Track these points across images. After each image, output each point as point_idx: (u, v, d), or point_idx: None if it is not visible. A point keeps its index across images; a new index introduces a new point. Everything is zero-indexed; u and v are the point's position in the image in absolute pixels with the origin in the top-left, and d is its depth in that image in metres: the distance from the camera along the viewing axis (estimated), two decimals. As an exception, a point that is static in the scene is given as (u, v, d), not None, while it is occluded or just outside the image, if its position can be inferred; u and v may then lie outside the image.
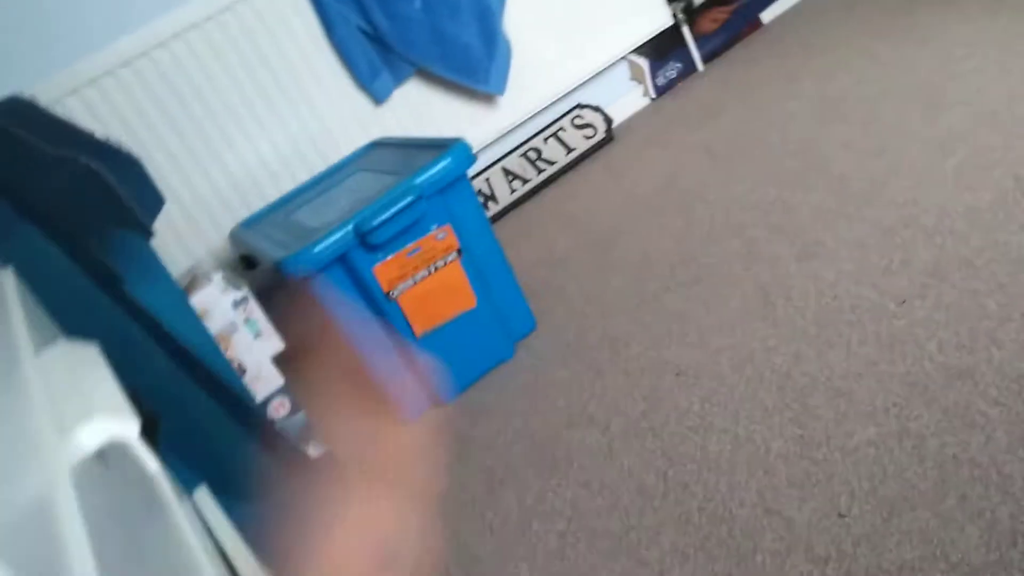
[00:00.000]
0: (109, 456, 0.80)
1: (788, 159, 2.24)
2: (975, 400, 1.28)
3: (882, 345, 1.48)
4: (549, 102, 2.97)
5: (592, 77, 3.03)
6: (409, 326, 1.89)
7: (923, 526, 1.14)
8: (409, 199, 1.79)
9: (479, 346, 2.00)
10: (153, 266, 1.36)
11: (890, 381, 1.40)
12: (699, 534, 1.31)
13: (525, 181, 2.93)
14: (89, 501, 0.56)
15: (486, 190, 2.89)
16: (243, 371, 1.55)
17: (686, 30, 3.16)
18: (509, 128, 2.92)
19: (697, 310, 1.83)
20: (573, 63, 2.97)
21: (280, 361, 1.76)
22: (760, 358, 1.60)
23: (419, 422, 1.98)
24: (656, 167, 2.64)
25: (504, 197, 2.91)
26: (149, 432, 0.90)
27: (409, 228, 1.82)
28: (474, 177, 2.83)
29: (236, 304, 1.56)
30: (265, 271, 2.08)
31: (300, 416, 1.62)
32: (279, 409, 1.57)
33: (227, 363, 1.36)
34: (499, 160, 2.92)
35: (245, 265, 2.34)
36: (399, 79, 2.70)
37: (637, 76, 3.16)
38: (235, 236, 2.34)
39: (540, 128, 2.96)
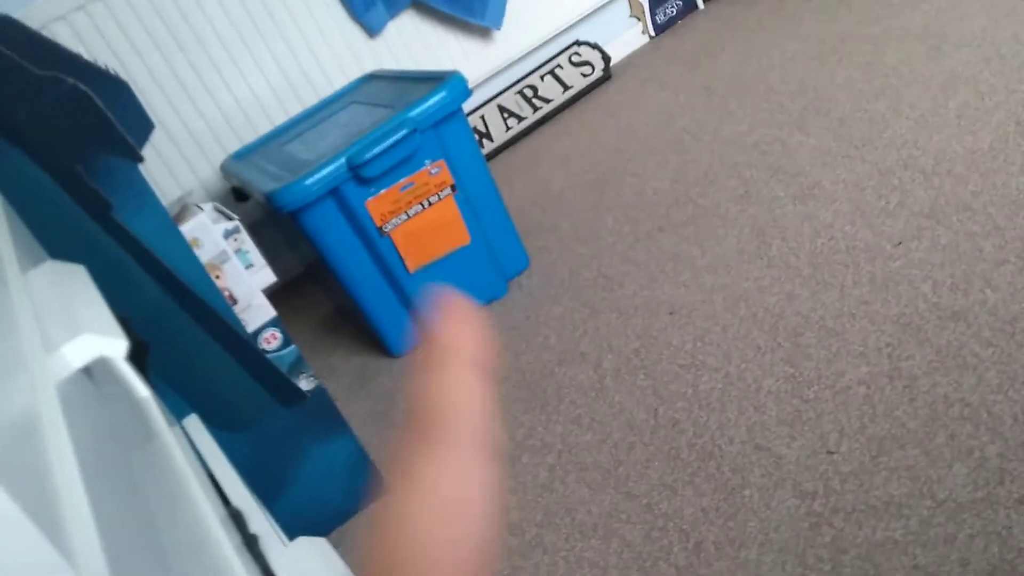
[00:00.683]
0: (99, 380, 0.79)
1: (788, 100, 2.21)
2: (968, 341, 1.28)
3: (876, 286, 1.47)
4: (546, 38, 2.91)
5: (591, 13, 2.97)
6: (402, 262, 1.88)
7: (911, 464, 1.15)
8: (403, 132, 1.77)
9: (472, 283, 1.99)
10: (143, 193, 1.34)
11: (883, 322, 1.40)
12: (688, 469, 1.32)
13: (521, 119, 2.89)
14: (77, 418, 0.55)
15: (481, 127, 2.85)
16: (234, 301, 1.53)
17: (688, -34, 3.09)
18: (505, 64, 2.87)
19: (692, 250, 1.82)
20: (572, -2, 2.91)
21: (273, 294, 1.75)
22: (753, 298, 1.59)
23: (410, 357, 1.98)
24: (654, 106, 2.60)
25: (499, 135, 2.88)
26: (138, 361, 0.89)
27: (402, 162, 1.80)
28: (469, 114, 2.79)
29: (227, 234, 1.54)
30: (256, 204, 2.06)
31: (292, 349, 1.61)
32: (270, 340, 1.56)
33: (218, 292, 1.35)
34: (494, 97, 2.87)
35: (236, 197, 2.32)
36: (393, 11, 2.64)
37: (637, 13, 3.10)
38: (226, 168, 2.30)
39: (537, 65, 2.91)
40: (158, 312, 1.26)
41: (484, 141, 2.86)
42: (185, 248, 1.31)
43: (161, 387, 1.29)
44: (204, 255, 1.47)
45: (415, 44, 2.71)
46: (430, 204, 1.86)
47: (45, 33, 2.18)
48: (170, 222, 1.34)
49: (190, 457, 1.01)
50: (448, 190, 1.87)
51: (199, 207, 1.55)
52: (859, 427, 1.24)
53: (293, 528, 1.17)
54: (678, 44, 2.98)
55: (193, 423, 1.23)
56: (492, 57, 2.84)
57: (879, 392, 1.28)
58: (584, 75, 2.95)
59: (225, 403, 1.40)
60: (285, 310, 1.86)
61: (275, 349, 1.59)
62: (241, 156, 2.28)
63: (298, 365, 1.65)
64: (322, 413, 1.56)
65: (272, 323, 1.59)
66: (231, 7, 2.42)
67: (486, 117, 2.86)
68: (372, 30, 2.62)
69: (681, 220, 1.94)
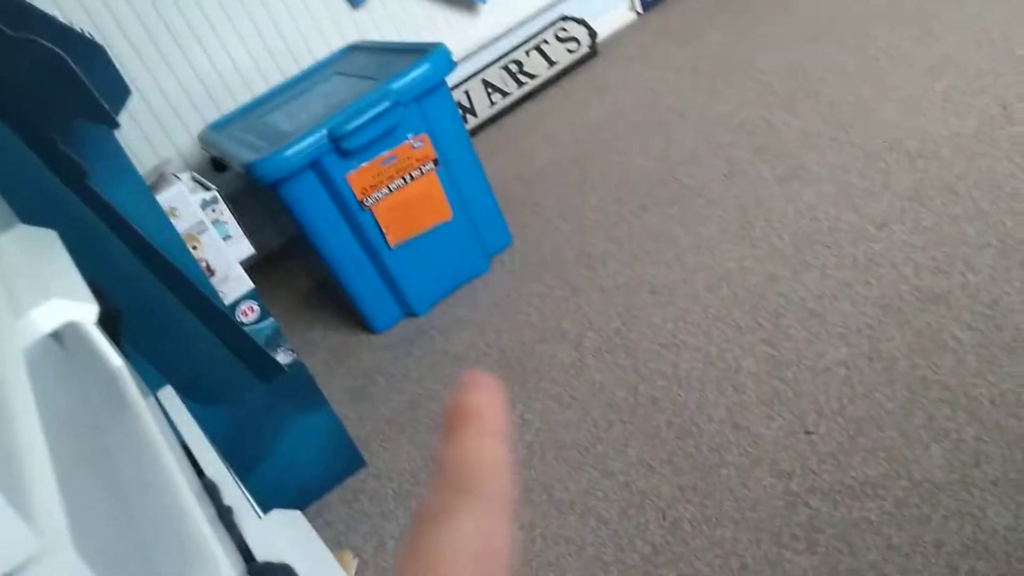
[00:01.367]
0: (71, 348, 0.77)
1: (776, 81, 2.20)
2: (948, 324, 1.28)
3: (858, 268, 1.47)
4: (533, 13, 2.88)
5: (578, -11, 2.94)
6: (383, 236, 1.86)
7: (888, 444, 1.15)
8: (386, 104, 1.74)
9: (454, 259, 1.98)
10: (118, 160, 1.31)
11: (864, 303, 1.40)
12: (666, 448, 1.31)
13: (505, 94, 2.86)
14: (45, 385, 0.54)
15: (465, 102, 2.82)
16: (211, 273, 1.51)
17: (676, -56, 3.06)
18: (490, 39, 2.84)
19: (675, 229, 1.81)
20: (559, -27, 2.87)
21: (252, 267, 1.73)
22: (735, 278, 1.59)
23: (390, 333, 1.96)
24: (640, 84, 2.59)
25: (483, 110, 2.85)
26: (110, 327, 0.88)
27: (385, 135, 1.77)
28: (453, 88, 2.76)
29: (205, 204, 1.51)
30: (235, 174, 2.03)
31: (270, 322, 1.60)
32: (247, 313, 1.54)
33: (194, 262, 1.33)
34: (479, 72, 2.84)
35: (215, 167, 2.28)
36: (378, -18, 2.60)
37: (624, -10, 3.07)
38: (205, 138, 2.27)
39: (522, 40, 2.88)
40: (133, 282, 1.24)
41: (468, 116, 2.83)
42: (162, 217, 1.29)
43: (136, 358, 1.27)
44: (181, 225, 1.45)
45: (399, 16, 2.68)
46: (412, 178, 1.84)
47: (20, -5, 2.12)
48: (146, 190, 1.31)
49: (164, 428, 1.00)
50: (431, 164, 1.85)
51: (177, 176, 1.53)
52: (838, 408, 1.24)
53: (269, 501, 1.15)
54: (666, 22, 2.96)
55: (168, 394, 1.21)
56: (477, 31, 2.81)
57: (858, 373, 1.28)
58: (570, 51, 2.93)
59: (201, 375, 1.38)
60: (264, 283, 1.84)
61: (252, 322, 1.57)
62: (220, 126, 2.25)
63: (276, 339, 1.63)
64: (300, 388, 1.54)
65: (250, 295, 1.57)
66: (212, -26, 2.38)
67: (470, 92, 2.83)
68: (355, 0, 2.58)
69: (665, 199, 1.93)
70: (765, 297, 1.51)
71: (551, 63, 2.90)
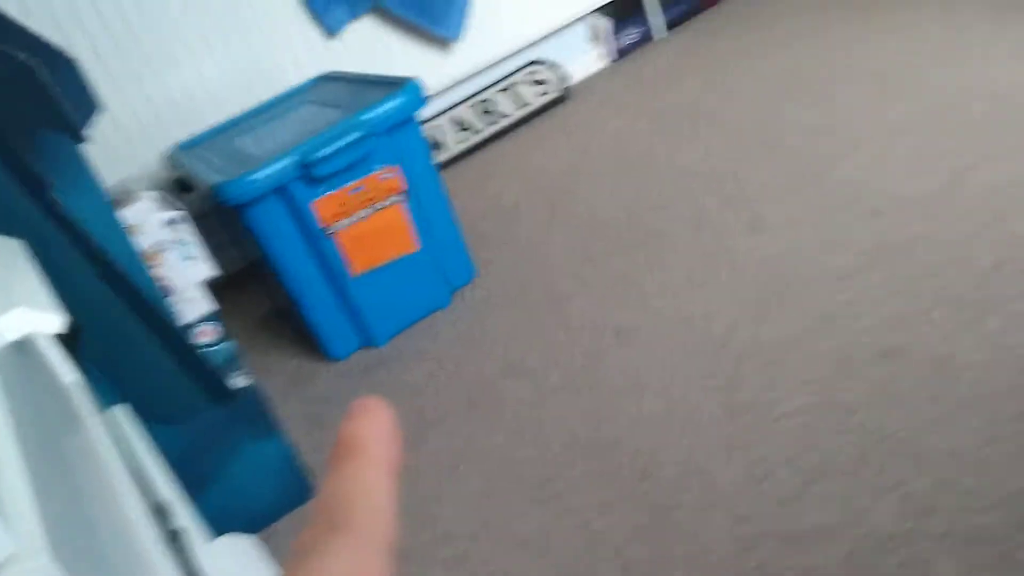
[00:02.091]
0: (30, 359, 0.75)
1: (743, 132, 2.25)
2: (903, 377, 1.31)
3: (817, 319, 1.50)
4: (506, 55, 2.92)
5: (551, 33, 2.99)
6: (345, 265, 1.85)
7: (842, 493, 1.17)
8: (357, 134, 1.75)
9: (416, 291, 1.97)
10: (82, 174, 1.29)
11: (822, 354, 1.42)
12: (624, 488, 1.31)
13: (475, 132, 2.89)
14: (13, 392, 0.52)
15: (434, 137, 2.84)
16: (169, 291, 1.49)
17: (649, -4, 3.13)
18: (463, 77, 2.87)
19: (641, 273, 1.83)
20: (533, 17, 2.92)
21: (213, 289, 1.71)
22: (699, 324, 1.61)
23: (348, 361, 1.94)
24: (609, 129, 2.63)
25: (452, 146, 2.87)
26: (70, 343, 0.86)
27: (354, 165, 1.77)
28: (424, 123, 2.77)
29: (169, 223, 1.50)
30: (201, 196, 2.01)
31: (228, 345, 1.57)
32: (205, 334, 1.52)
33: (149, 280, 1.31)
34: (450, 109, 2.87)
35: (180, 188, 2.26)
36: (354, 13, 2.61)
37: (597, 37, 3.13)
38: (172, 158, 2.25)
39: (494, 80, 2.92)
40: (92, 296, 1.22)
41: (437, 151, 2.84)
42: (120, 233, 1.27)
43: (94, 374, 1.24)
44: (143, 242, 1.43)
45: (373, 48, 2.69)
46: (379, 209, 1.84)
47: (-9, 4, 2.10)
48: (108, 205, 1.30)
49: (117, 446, 0.97)
50: (398, 196, 1.85)
51: (144, 194, 1.51)
52: (793, 455, 1.26)
53: (221, 525, 1.13)
54: (638, 70, 3.02)
55: (122, 412, 1.19)
56: (450, 68, 2.83)
57: (814, 422, 1.30)
58: (541, 94, 2.97)
59: (155, 394, 1.35)
60: (224, 305, 1.82)
61: (210, 344, 1.55)
62: (188, 147, 2.23)
63: (233, 361, 1.61)
64: (254, 412, 1.52)
65: (210, 317, 1.55)
66: (188, -6, 2.37)
67: (440, 127, 2.85)
68: (331, 30, 2.59)
69: (632, 243, 1.96)
70: (727, 344, 1.53)
71: (522, 104, 2.94)
